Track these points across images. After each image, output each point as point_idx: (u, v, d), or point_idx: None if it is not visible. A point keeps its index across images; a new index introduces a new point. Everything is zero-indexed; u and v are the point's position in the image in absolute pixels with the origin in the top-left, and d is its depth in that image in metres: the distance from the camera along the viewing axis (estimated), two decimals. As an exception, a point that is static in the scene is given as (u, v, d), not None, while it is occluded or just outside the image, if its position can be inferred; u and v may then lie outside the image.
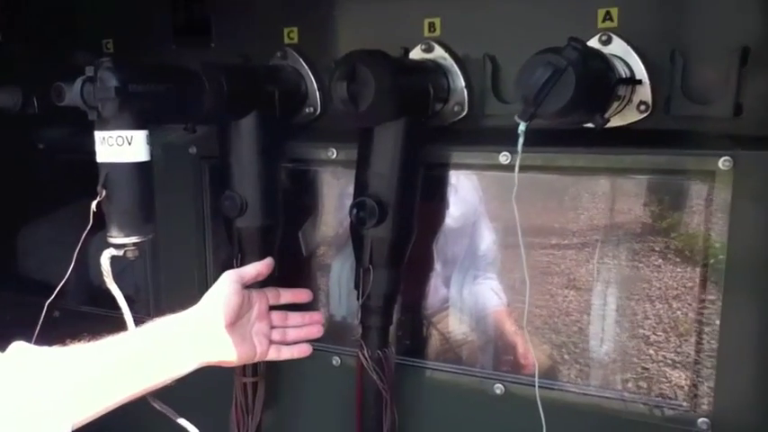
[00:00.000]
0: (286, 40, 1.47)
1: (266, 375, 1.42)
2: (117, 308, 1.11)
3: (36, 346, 0.95)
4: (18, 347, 0.94)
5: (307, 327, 1.31)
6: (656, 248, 1.23)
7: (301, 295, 1.34)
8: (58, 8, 1.71)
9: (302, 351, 1.30)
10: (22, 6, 1.70)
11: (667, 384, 1.25)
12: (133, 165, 1.08)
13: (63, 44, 1.68)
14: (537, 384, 1.09)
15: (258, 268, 1.26)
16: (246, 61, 1.40)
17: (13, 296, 1.85)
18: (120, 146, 1.07)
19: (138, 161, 1.09)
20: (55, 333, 1.15)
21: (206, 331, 1.11)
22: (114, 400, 0.97)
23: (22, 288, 1.87)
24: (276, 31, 1.47)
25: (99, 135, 1.07)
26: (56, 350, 0.96)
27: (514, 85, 0.94)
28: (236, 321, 1.17)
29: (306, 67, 1.45)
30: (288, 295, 1.31)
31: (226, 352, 1.14)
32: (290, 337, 1.29)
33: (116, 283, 1.10)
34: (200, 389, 1.19)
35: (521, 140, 0.93)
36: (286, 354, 1.28)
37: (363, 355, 1.26)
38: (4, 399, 0.87)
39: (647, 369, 1.27)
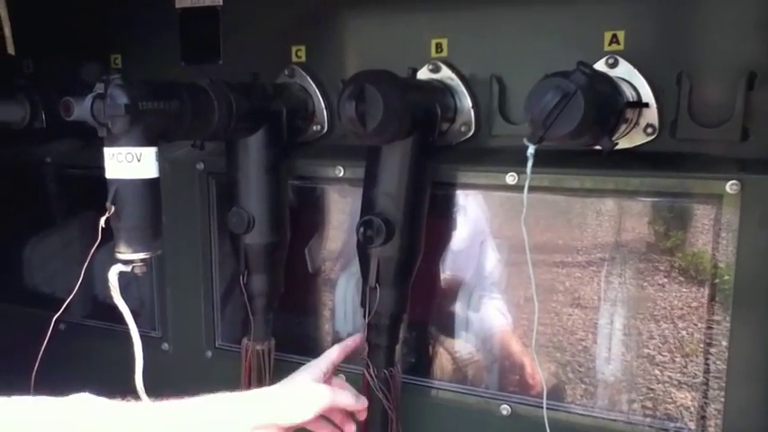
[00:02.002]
0: (294, 59, 1.48)
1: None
2: (122, 322, 1.11)
3: (98, 398, 0.93)
4: (81, 398, 0.92)
5: None
6: (664, 270, 1.23)
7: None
8: (66, 23, 1.72)
9: None
10: (32, 21, 1.72)
11: (674, 405, 1.24)
12: (142, 181, 1.08)
13: (71, 59, 1.69)
14: (545, 405, 1.09)
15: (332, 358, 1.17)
16: (255, 79, 1.41)
17: (18, 309, 1.86)
18: (129, 162, 1.07)
19: (148, 178, 1.09)
20: (60, 346, 1.15)
21: (265, 426, 1.01)
22: None
23: (27, 301, 1.87)
24: (284, 50, 1.48)
25: (108, 151, 1.07)
26: (119, 404, 0.94)
27: (524, 109, 0.95)
28: None
29: (313, 85, 1.46)
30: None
31: None
32: None
33: (122, 297, 1.10)
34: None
35: (530, 163, 0.93)
36: None
37: (369, 373, 1.26)
38: None
39: (653, 390, 1.26)
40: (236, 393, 1.04)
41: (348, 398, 1.13)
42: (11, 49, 1.61)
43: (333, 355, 1.20)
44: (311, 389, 1.08)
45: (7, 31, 1.59)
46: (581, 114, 0.89)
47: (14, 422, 0.85)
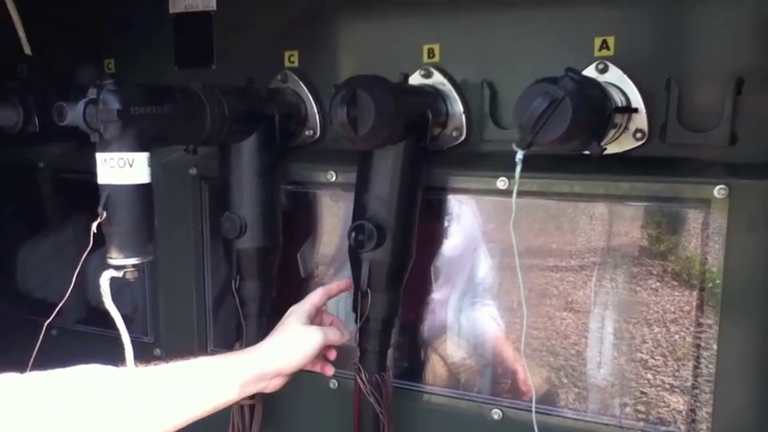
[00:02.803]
0: (287, 64, 1.48)
1: (263, 398, 1.41)
2: (114, 327, 1.11)
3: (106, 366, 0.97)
4: (90, 367, 0.96)
5: None
6: (654, 273, 1.24)
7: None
8: (61, 27, 1.72)
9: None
10: (27, 26, 1.72)
11: (666, 409, 1.25)
12: (134, 187, 1.08)
13: (64, 63, 1.69)
14: (534, 410, 1.10)
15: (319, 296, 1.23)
16: (247, 84, 1.41)
17: (9, 314, 1.85)
18: (121, 168, 1.07)
19: (140, 183, 1.09)
20: (52, 352, 1.15)
21: (269, 376, 1.11)
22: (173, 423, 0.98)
23: (18, 306, 1.87)
24: (277, 55, 1.49)
25: (101, 156, 1.07)
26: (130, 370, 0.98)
27: (513, 114, 0.95)
28: None
29: (306, 90, 1.47)
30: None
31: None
32: None
33: (114, 302, 1.10)
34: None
35: (518, 168, 0.94)
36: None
37: (361, 378, 1.26)
38: (72, 415, 0.88)
39: (645, 393, 1.27)
40: (229, 353, 1.12)
41: (336, 335, 1.19)
42: (27, 50, 1.61)
43: (315, 298, 1.22)
44: (303, 333, 1.14)
45: (21, 33, 1.59)
46: (569, 120, 0.90)
47: (22, 397, 0.86)
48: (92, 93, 1.05)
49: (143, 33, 1.66)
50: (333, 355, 1.25)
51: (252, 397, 1.39)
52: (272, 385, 1.14)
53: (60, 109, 1.04)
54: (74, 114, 1.04)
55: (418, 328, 1.46)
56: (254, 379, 1.09)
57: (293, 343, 1.13)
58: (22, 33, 1.58)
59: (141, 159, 1.08)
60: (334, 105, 1.13)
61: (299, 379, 1.51)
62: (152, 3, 1.62)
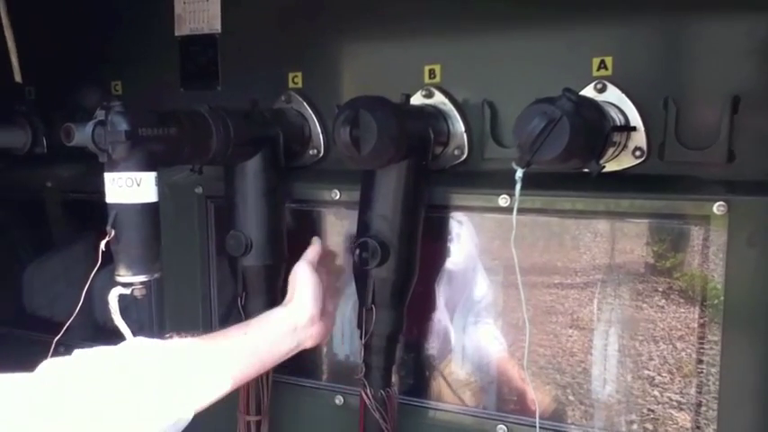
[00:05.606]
0: (290, 85, 1.51)
1: (270, 414, 1.42)
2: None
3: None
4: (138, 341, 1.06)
5: None
6: (659, 289, 1.25)
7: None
8: (68, 50, 1.75)
9: None
10: (35, 49, 1.75)
11: (673, 426, 1.25)
12: (142, 206, 1.11)
13: (72, 85, 1.72)
14: (538, 425, 1.10)
15: (317, 249, 1.36)
16: (252, 105, 1.44)
17: (18, 333, 1.87)
18: (129, 187, 1.09)
19: (147, 202, 1.11)
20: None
21: (304, 325, 1.25)
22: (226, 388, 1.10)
23: (26, 324, 1.88)
24: (281, 76, 1.51)
25: (109, 176, 1.10)
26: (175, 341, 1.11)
27: (512, 134, 0.97)
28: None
29: (309, 110, 1.49)
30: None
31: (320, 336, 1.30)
32: None
33: (122, 318, 1.12)
34: (203, 428, 1.20)
35: (518, 186, 0.96)
36: None
37: (366, 394, 1.26)
38: (132, 385, 0.96)
39: (652, 411, 1.27)
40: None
41: (314, 249, 1.37)
42: (18, 77, 1.65)
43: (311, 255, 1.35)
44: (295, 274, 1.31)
45: (14, 60, 1.63)
46: (567, 139, 0.92)
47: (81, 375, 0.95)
48: (100, 114, 1.07)
49: (149, 56, 1.68)
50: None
51: (258, 413, 1.41)
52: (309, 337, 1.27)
53: (68, 130, 1.07)
54: (82, 135, 1.07)
55: (423, 345, 1.47)
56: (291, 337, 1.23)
57: (298, 289, 1.28)
58: (15, 60, 1.62)
59: (149, 179, 1.11)
60: (337, 126, 1.15)
61: (304, 395, 1.52)
62: (158, 26, 1.65)
